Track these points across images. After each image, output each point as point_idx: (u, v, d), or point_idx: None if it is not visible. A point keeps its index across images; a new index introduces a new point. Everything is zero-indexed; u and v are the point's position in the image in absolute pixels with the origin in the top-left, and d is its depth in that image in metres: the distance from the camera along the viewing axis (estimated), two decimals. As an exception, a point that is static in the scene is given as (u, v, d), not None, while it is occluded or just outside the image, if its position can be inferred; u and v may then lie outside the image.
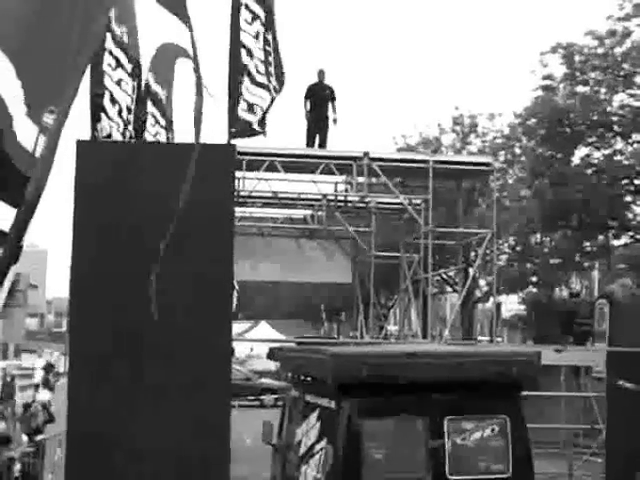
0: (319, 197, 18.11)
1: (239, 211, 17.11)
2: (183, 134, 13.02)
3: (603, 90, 23.26)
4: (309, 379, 7.89)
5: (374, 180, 18.36)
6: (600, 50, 22.93)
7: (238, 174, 15.04)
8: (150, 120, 12.64)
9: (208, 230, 5.38)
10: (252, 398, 27.50)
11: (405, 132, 33.33)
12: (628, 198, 24.07)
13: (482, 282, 29.76)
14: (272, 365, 26.27)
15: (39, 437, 13.65)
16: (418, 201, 17.39)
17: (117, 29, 10.10)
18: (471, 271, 20.82)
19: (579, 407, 15.59)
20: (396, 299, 27.00)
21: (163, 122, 13.35)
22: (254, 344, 37.67)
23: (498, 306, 29.43)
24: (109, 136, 10.06)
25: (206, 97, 4.16)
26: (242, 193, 16.31)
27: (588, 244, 26.05)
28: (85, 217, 5.39)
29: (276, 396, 26.45)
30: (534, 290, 31.51)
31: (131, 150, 6.23)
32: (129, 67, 10.61)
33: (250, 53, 12.12)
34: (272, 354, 9.72)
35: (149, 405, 5.27)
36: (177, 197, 4.43)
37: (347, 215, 19.00)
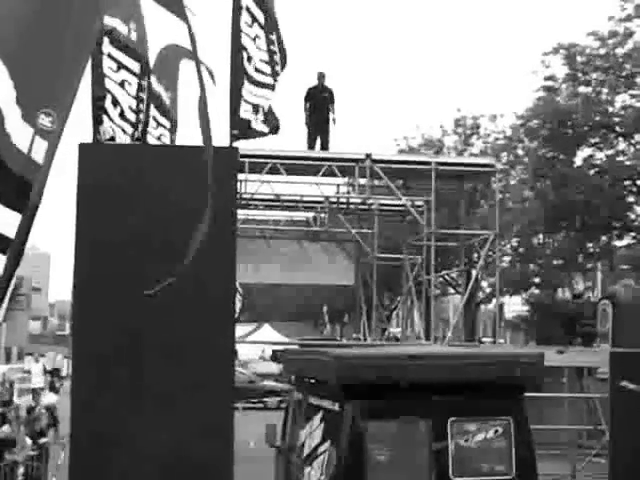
0: (321, 199, 18.12)
1: (241, 213, 17.12)
2: (188, 136, 13.03)
3: (605, 91, 23.25)
4: (312, 381, 7.89)
5: (376, 182, 18.37)
6: (602, 51, 22.93)
7: (240, 176, 15.05)
8: (153, 123, 12.62)
9: (210, 232, 5.38)
10: (255, 400, 27.49)
11: (407, 134, 33.38)
12: (631, 199, 24.05)
13: (485, 283, 29.75)
14: (275, 367, 26.26)
15: (42, 440, 13.67)
16: (420, 203, 17.39)
17: (121, 29, 10.06)
18: (474, 272, 20.79)
19: (582, 408, 15.55)
20: (399, 301, 26.99)
21: (168, 124, 13.33)
22: (264, 346, 37.59)
23: (501, 307, 29.40)
24: (112, 139, 10.05)
25: (211, 89, 4.16)
26: (244, 195, 16.33)
27: (591, 245, 26.03)
28: (88, 220, 5.39)
29: (279, 398, 26.43)
30: (537, 291, 31.48)
31: (133, 152, 6.23)
32: (136, 67, 10.53)
33: (249, 56, 12.16)
34: (275, 356, 9.73)
35: (152, 407, 5.27)
36: (185, 199, 4.41)
37: (349, 217, 19.01)
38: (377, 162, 15.99)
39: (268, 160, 15.71)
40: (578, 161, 24.42)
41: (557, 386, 14.96)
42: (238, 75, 12.15)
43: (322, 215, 18.90)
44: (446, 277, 29.42)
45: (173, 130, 13.59)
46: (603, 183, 22.89)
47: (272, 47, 12.61)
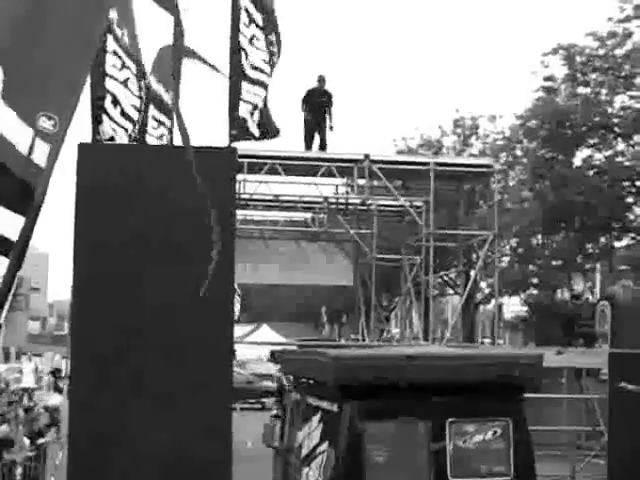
0: (320, 200, 18.13)
1: (240, 214, 17.12)
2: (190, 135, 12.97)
3: (604, 91, 23.28)
4: (311, 382, 7.89)
5: (375, 182, 18.39)
6: (601, 51, 22.96)
7: (239, 177, 15.05)
8: (153, 123, 12.60)
9: (209, 233, 5.37)
10: (253, 401, 27.48)
11: (406, 134, 33.39)
12: (629, 199, 24.08)
13: (484, 284, 29.72)
14: (273, 368, 26.24)
15: (41, 440, 13.65)
16: (419, 203, 17.40)
17: (119, 31, 10.07)
18: (472, 273, 20.80)
19: (581, 409, 15.56)
20: (397, 301, 26.98)
21: (168, 124, 13.31)
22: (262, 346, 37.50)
23: (500, 308, 29.37)
24: (111, 139, 10.04)
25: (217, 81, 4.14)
26: (243, 196, 16.33)
27: (590, 246, 26.05)
28: (87, 220, 5.38)
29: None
30: (536, 292, 31.48)
31: (132, 153, 6.23)
32: (133, 68, 10.57)
33: (247, 55, 12.14)
34: (274, 357, 9.72)
35: (151, 407, 5.27)
36: (184, 199, 4.39)
37: (348, 217, 19.01)
38: (376, 162, 16.00)
39: (267, 160, 15.72)
40: (577, 162, 24.45)
41: (556, 386, 14.96)
42: (237, 74, 12.14)
43: (321, 215, 18.91)
44: (445, 278, 29.42)
45: (173, 130, 13.57)
46: (602, 184, 22.92)
47: (272, 48, 12.60)
